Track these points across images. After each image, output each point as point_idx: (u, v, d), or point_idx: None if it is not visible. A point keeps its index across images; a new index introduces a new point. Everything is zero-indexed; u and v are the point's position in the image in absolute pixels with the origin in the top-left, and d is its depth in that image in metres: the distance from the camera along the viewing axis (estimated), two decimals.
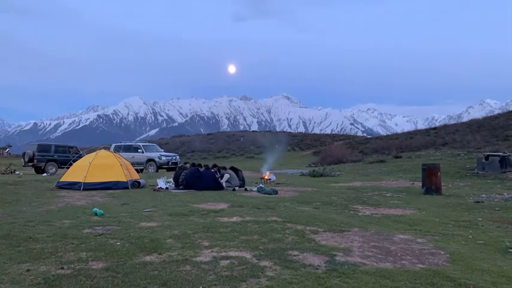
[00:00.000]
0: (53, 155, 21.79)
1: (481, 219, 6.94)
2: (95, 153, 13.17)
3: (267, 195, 10.86)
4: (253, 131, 68.87)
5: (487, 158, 15.65)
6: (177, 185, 12.75)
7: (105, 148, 14.26)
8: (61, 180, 12.45)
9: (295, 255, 4.46)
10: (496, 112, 36.35)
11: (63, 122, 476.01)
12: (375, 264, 4.22)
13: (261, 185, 12.67)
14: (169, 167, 22.20)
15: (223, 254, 4.51)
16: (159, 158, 22.46)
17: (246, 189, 12.34)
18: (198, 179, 12.33)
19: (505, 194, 10.43)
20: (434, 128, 35.83)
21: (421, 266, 4.19)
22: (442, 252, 4.72)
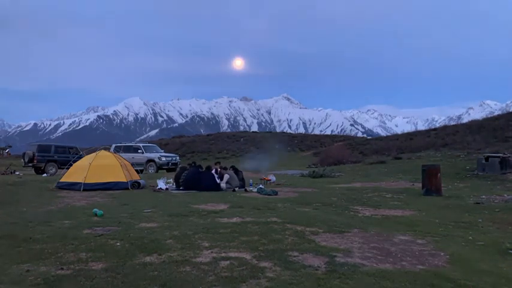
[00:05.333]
0: (53, 155, 21.78)
1: (481, 220, 6.94)
2: (95, 153, 13.17)
3: (267, 196, 10.85)
4: (253, 131, 68.87)
5: (487, 159, 15.64)
6: (177, 186, 12.75)
7: (105, 149, 14.25)
8: (61, 180, 12.44)
9: (295, 256, 4.46)
10: (496, 113, 36.35)
11: (63, 122, 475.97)
12: (375, 265, 4.22)
13: (260, 185, 12.67)
14: (169, 167, 22.19)
15: (223, 254, 4.51)
16: (159, 158, 22.45)
17: (246, 190, 12.34)
18: (198, 179, 12.32)
19: (505, 195, 10.42)
20: (435, 129, 35.81)
21: (421, 267, 4.19)
22: (442, 254, 4.72)
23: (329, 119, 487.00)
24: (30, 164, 21.43)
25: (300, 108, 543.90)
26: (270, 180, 14.48)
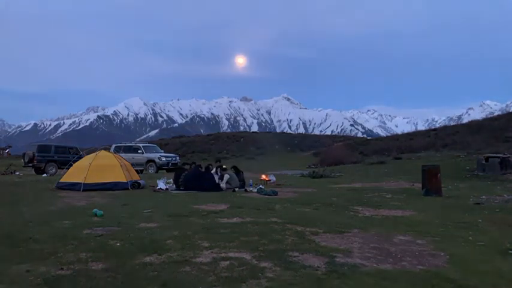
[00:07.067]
0: (53, 155, 21.79)
1: (481, 220, 6.93)
2: (95, 154, 13.17)
3: (266, 196, 10.85)
4: (253, 132, 68.90)
5: (487, 159, 15.63)
6: (177, 186, 12.75)
7: (105, 149, 14.26)
8: (61, 180, 12.44)
9: (295, 256, 4.46)
10: (496, 113, 36.42)
11: (63, 122, 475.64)
12: (375, 265, 4.22)
13: (260, 186, 12.67)
14: (169, 167, 22.19)
15: (223, 255, 4.51)
16: (159, 158, 22.46)
17: (246, 190, 12.34)
18: (198, 180, 12.32)
19: (505, 195, 10.41)
20: (435, 130, 35.86)
21: (421, 267, 4.19)
22: (442, 254, 4.72)
23: (329, 119, 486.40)
24: (30, 164, 21.44)
25: (300, 108, 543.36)
26: (270, 180, 14.47)
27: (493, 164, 15.23)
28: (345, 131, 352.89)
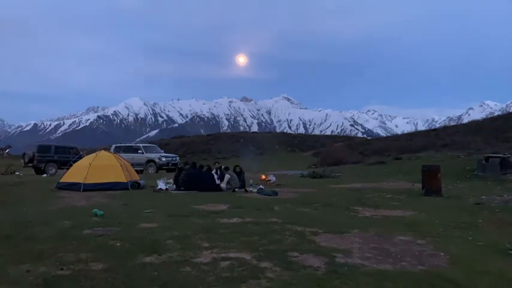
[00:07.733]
0: (53, 155, 21.79)
1: (481, 220, 6.93)
2: (95, 154, 13.17)
3: (266, 196, 10.85)
4: (253, 132, 68.92)
5: (487, 159, 15.62)
6: (178, 186, 12.75)
7: (105, 149, 14.25)
8: (61, 181, 12.44)
9: (295, 257, 4.46)
10: (496, 114, 36.45)
11: (63, 122, 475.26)
12: (375, 265, 4.22)
13: (260, 186, 12.67)
14: (169, 168, 22.19)
15: (223, 255, 4.51)
16: (159, 159, 22.46)
17: (246, 190, 12.34)
18: (198, 180, 12.33)
19: (505, 195, 10.41)
20: (435, 130, 35.86)
21: (421, 267, 4.19)
22: (442, 254, 4.72)
23: (329, 120, 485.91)
24: (30, 164, 21.44)
25: (300, 108, 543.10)
26: (270, 180, 14.47)
27: (493, 164, 15.21)
28: (345, 131, 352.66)
